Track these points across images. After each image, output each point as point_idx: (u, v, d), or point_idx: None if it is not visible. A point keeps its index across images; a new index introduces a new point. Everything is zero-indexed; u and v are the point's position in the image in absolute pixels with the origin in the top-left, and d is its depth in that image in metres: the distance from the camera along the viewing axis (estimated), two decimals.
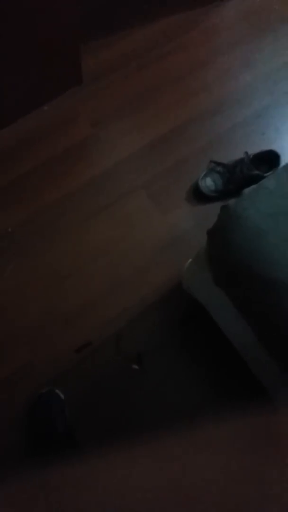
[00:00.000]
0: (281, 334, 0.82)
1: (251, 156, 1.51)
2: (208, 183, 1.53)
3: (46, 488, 0.28)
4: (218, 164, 1.56)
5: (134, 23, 1.85)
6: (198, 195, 1.54)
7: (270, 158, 1.53)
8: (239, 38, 1.84)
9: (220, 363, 1.33)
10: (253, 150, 1.53)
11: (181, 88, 1.74)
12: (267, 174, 1.49)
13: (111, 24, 1.85)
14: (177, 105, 1.71)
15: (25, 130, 1.65)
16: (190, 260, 1.23)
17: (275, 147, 1.55)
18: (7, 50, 1.35)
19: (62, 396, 1.27)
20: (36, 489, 0.28)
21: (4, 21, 1.25)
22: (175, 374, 1.34)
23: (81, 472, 0.30)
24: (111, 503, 0.27)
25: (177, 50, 1.81)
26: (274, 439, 0.30)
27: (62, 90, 1.71)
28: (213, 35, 1.86)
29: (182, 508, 0.26)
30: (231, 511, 0.25)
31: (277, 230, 0.84)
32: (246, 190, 0.92)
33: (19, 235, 1.49)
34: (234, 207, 0.88)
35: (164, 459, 0.30)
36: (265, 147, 1.55)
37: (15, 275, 1.44)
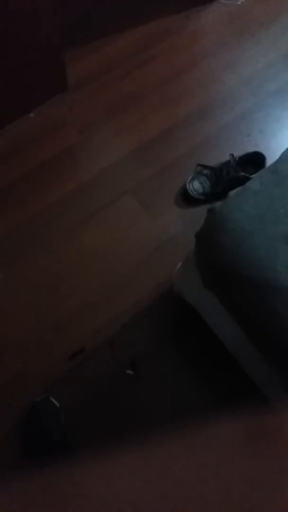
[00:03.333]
0: (270, 334, 0.82)
1: (237, 158, 1.53)
2: (196, 186, 1.54)
3: (42, 490, 0.29)
4: (205, 167, 1.57)
5: (117, 30, 1.86)
6: (186, 198, 1.55)
7: (256, 160, 1.55)
8: (221, 42, 1.86)
9: (214, 364, 1.34)
10: (239, 152, 1.55)
11: (165, 92, 1.76)
12: (253, 175, 1.50)
13: (94, 31, 1.86)
14: (162, 110, 1.72)
15: (11, 137, 1.65)
16: (180, 263, 1.24)
17: (260, 148, 1.57)
18: None
19: (57, 404, 1.27)
20: (33, 491, 0.29)
21: None
22: (170, 378, 1.34)
23: (76, 474, 0.30)
24: (108, 505, 0.27)
25: (160, 55, 1.83)
26: (271, 439, 0.31)
27: (48, 97, 1.71)
28: (195, 40, 1.88)
29: (180, 509, 0.26)
30: (231, 510, 0.26)
31: (263, 231, 0.85)
32: (232, 193, 0.93)
33: (8, 243, 1.49)
34: (220, 209, 0.89)
35: (161, 461, 0.30)
36: (250, 149, 1.57)
37: (5, 284, 1.43)
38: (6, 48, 1.35)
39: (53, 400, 1.27)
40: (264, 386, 1.15)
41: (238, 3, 1.94)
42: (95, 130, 1.68)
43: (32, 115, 1.68)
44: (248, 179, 1.44)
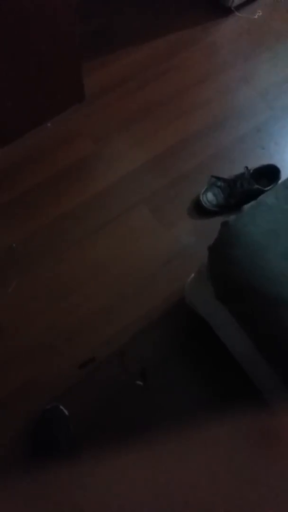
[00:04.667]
0: (281, 348, 0.82)
1: (252, 171, 1.53)
2: (209, 198, 1.55)
3: (47, 490, 0.29)
4: (219, 179, 1.57)
5: (135, 42, 1.89)
6: (199, 210, 1.56)
7: (270, 172, 1.55)
8: (237, 55, 1.88)
9: (223, 376, 1.32)
10: (253, 164, 1.55)
11: (181, 104, 1.77)
12: (268, 188, 1.50)
13: (112, 43, 1.89)
14: (177, 121, 1.74)
15: (28, 147, 1.67)
16: (192, 275, 1.24)
17: (275, 161, 1.57)
18: (10, 69, 1.38)
19: (66, 412, 1.27)
20: (36, 496, 0.29)
21: (7, 40, 1.29)
22: (179, 389, 1.33)
23: (81, 473, 0.30)
24: (110, 505, 0.27)
25: (177, 67, 1.85)
26: (272, 440, 0.31)
27: (65, 107, 1.74)
28: (212, 52, 1.89)
29: (181, 509, 0.26)
30: (231, 511, 0.26)
31: (277, 246, 0.85)
32: (246, 206, 0.93)
33: (22, 251, 1.50)
34: (234, 223, 0.89)
35: (162, 463, 0.31)
36: (265, 161, 1.57)
37: (19, 291, 1.45)
38: (25, 58, 1.38)
39: (62, 408, 1.27)
40: (273, 399, 1.14)
41: (255, 16, 1.95)
42: (110, 140, 1.69)
43: (49, 124, 1.71)
44: (262, 191, 1.45)
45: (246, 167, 1.54)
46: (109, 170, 1.65)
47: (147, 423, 1.27)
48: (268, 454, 0.29)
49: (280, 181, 1.50)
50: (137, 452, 0.32)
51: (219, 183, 1.56)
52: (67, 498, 0.28)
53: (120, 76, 1.83)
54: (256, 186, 1.49)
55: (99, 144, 1.69)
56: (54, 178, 1.63)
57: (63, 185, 1.61)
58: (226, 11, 1.94)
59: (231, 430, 0.32)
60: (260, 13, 1.96)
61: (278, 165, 1.55)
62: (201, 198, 1.54)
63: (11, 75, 1.41)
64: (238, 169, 1.56)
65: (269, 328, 0.83)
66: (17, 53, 1.35)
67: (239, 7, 1.95)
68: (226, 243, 0.90)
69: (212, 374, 1.35)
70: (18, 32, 1.28)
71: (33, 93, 1.55)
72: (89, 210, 1.57)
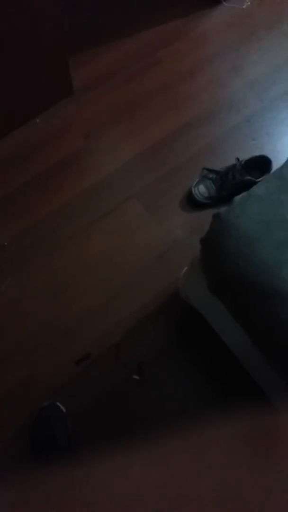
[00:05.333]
0: (275, 339, 0.82)
1: (243, 162, 1.53)
2: (201, 190, 1.54)
3: (47, 490, 0.29)
4: (211, 171, 1.57)
5: (122, 35, 1.87)
6: (192, 203, 1.55)
7: (261, 163, 1.55)
8: (226, 46, 1.86)
9: (219, 369, 1.33)
10: (245, 156, 1.55)
11: (171, 96, 1.76)
12: (259, 179, 1.50)
13: (100, 36, 1.87)
14: (168, 114, 1.73)
15: (18, 143, 1.66)
16: (186, 268, 1.24)
17: (266, 152, 1.57)
18: None
19: (63, 409, 1.27)
20: (34, 492, 0.29)
21: None
22: (176, 382, 1.34)
23: (82, 474, 0.30)
24: (108, 501, 0.27)
25: (166, 59, 1.83)
26: (272, 439, 0.31)
27: (54, 102, 1.72)
28: (200, 43, 1.88)
29: (182, 507, 0.26)
30: (230, 510, 0.26)
31: (268, 237, 0.85)
32: (237, 198, 0.92)
33: (15, 248, 1.49)
34: (226, 215, 0.89)
35: (163, 461, 0.31)
36: (256, 152, 1.57)
37: (12, 289, 1.44)
38: (11, 53, 1.37)
39: (59, 405, 1.27)
40: (270, 390, 1.15)
41: (243, 6, 1.94)
42: (100, 135, 1.68)
43: (38, 120, 1.69)
44: (254, 182, 1.45)
45: (237, 159, 1.53)
46: (101, 164, 1.64)
47: (145, 418, 1.28)
48: (267, 453, 0.29)
49: (271, 172, 1.50)
50: (135, 449, 0.32)
51: (210, 175, 1.56)
52: (66, 495, 0.28)
53: (109, 69, 1.81)
54: (248, 177, 1.49)
55: (90, 138, 1.68)
56: (45, 174, 1.62)
57: (55, 181, 1.60)
58: (215, 1, 1.92)
59: (230, 429, 0.32)
60: (249, 3, 1.95)
61: (270, 156, 1.54)
62: (193, 191, 1.53)
63: None
64: (230, 161, 1.56)
65: (263, 319, 0.83)
66: (2, 48, 1.33)
67: None
68: (217, 235, 0.89)
69: (208, 366, 1.35)
70: (3, 27, 1.26)
71: (20, 88, 1.53)
72: (81, 205, 1.56)
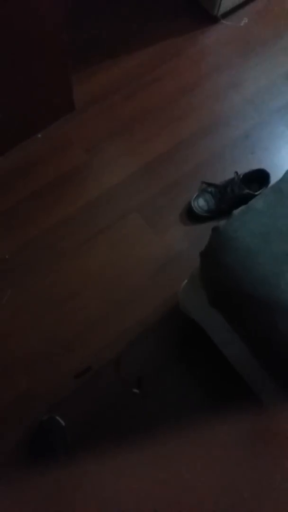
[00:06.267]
0: (275, 351, 0.82)
1: (242, 176, 1.54)
2: (201, 204, 1.56)
3: (46, 492, 0.29)
4: (210, 184, 1.59)
5: (123, 51, 1.91)
6: (191, 216, 1.57)
7: (260, 177, 1.56)
8: (224, 62, 1.90)
9: (219, 381, 1.33)
10: (243, 169, 1.57)
11: (170, 112, 1.79)
12: (258, 192, 1.52)
13: (101, 53, 1.91)
14: (167, 129, 1.75)
15: (20, 157, 1.68)
16: (185, 281, 1.24)
17: (264, 166, 1.59)
18: None
19: (62, 423, 1.27)
20: (36, 493, 0.29)
21: None
22: (176, 396, 1.33)
23: (77, 475, 0.31)
24: (108, 505, 0.28)
25: (165, 76, 1.87)
26: (272, 440, 0.31)
27: (55, 117, 1.75)
28: (199, 60, 1.91)
29: (181, 508, 0.27)
30: (230, 510, 0.26)
31: (267, 250, 0.86)
32: (236, 211, 0.94)
33: (16, 261, 1.50)
34: (225, 228, 0.90)
35: (163, 464, 0.31)
36: (254, 166, 1.59)
37: (13, 302, 1.45)
38: (14, 69, 1.39)
39: (59, 419, 1.27)
40: (270, 401, 1.14)
41: (241, 24, 1.98)
42: (101, 149, 1.70)
43: (39, 135, 1.72)
44: (252, 196, 1.47)
45: (236, 172, 1.55)
46: (101, 178, 1.66)
47: (144, 432, 1.27)
48: (266, 456, 0.29)
49: (269, 185, 1.52)
50: (134, 460, 0.32)
51: (210, 189, 1.58)
52: (65, 503, 0.28)
53: (109, 86, 1.84)
54: (247, 190, 1.51)
55: (91, 153, 1.70)
56: (47, 188, 1.63)
57: (56, 195, 1.62)
58: (213, 20, 1.97)
59: (230, 432, 0.33)
60: (246, 21, 1.99)
61: (268, 170, 1.56)
62: (192, 204, 1.55)
63: (0, 87, 1.41)
64: (229, 175, 1.58)
65: (262, 332, 0.83)
66: (5, 65, 1.36)
67: (225, 15, 1.97)
68: (217, 248, 0.90)
69: (208, 379, 1.35)
70: (6, 44, 1.29)
71: (22, 104, 1.55)
72: (82, 219, 1.58)
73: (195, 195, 1.57)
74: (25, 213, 1.59)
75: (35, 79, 1.49)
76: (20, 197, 1.61)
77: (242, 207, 0.94)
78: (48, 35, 1.37)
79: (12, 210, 1.59)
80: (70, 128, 1.75)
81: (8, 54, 1.33)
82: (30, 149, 1.69)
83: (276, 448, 0.31)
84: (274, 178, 1.55)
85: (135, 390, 1.32)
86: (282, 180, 0.95)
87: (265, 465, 0.29)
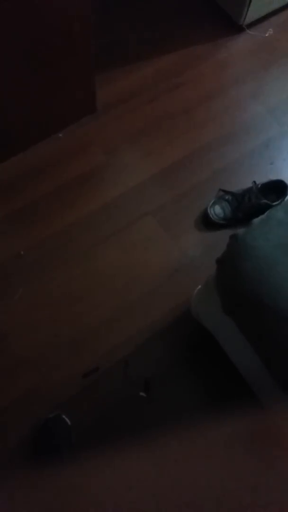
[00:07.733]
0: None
1: (259, 185, 1.54)
2: (217, 211, 1.56)
3: (46, 491, 0.30)
4: (227, 192, 1.58)
5: (147, 56, 1.92)
6: (207, 223, 1.57)
7: (278, 188, 1.56)
8: (247, 72, 1.90)
9: (227, 389, 1.32)
10: (261, 179, 1.56)
11: (191, 118, 1.79)
12: (275, 203, 1.51)
13: (125, 56, 1.92)
14: (187, 134, 1.76)
15: (40, 155, 1.70)
16: (199, 287, 1.24)
17: (283, 176, 1.58)
18: (25, 79, 1.41)
19: (68, 421, 1.27)
20: (35, 499, 0.29)
21: (23, 51, 1.32)
22: (182, 402, 1.33)
23: (80, 475, 0.31)
24: (111, 507, 0.28)
25: (187, 82, 1.87)
26: (272, 442, 0.31)
27: (77, 118, 1.77)
28: (222, 68, 1.92)
29: (181, 509, 0.27)
30: (230, 510, 0.26)
31: (286, 260, 0.85)
32: (256, 220, 0.94)
33: (30, 258, 1.51)
34: (244, 236, 0.90)
35: (162, 465, 0.31)
36: (273, 176, 1.58)
37: (25, 298, 1.45)
38: (40, 70, 1.41)
39: (65, 417, 1.27)
40: (279, 413, 1.13)
41: (266, 35, 1.99)
42: (120, 152, 1.71)
43: (60, 135, 1.73)
44: (269, 206, 1.46)
45: (254, 182, 1.55)
46: (119, 181, 1.67)
47: (149, 434, 1.26)
48: (267, 458, 0.29)
49: None
50: (137, 462, 0.32)
51: (227, 197, 1.57)
52: (67, 504, 0.28)
53: (131, 89, 1.85)
54: (264, 200, 1.50)
55: (109, 155, 1.71)
56: (64, 187, 1.65)
57: (73, 194, 1.63)
58: (238, 29, 1.97)
59: (232, 434, 0.33)
60: (271, 32, 2.00)
61: (286, 181, 1.56)
62: (208, 211, 1.55)
63: (26, 85, 1.43)
64: (247, 184, 1.57)
65: (277, 342, 0.83)
66: (32, 64, 1.37)
67: (251, 25, 1.98)
68: (235, 256, 0.90)
69: (216, 387, 1.34)
70: (34, 43, 1.31)
71: (46, 103, 1.57)
72: (97, 220, 1.59)
73: (211, 202, 1.57)
74: (42, 211, 1.60)
75: (60, 80, 1.51)
76: (38, 195, 1.63)
77: (262, 216, 0.93)
78: (75, 36, 1.39)
79: (29, 208, 1.60)
80: (90, 129, 1.76)
81: (36, 53, 1.35)
82: (50, 147, 1.71)
83: (276, 448, 0.31)
84: None
85: (142, 394, 1.32)
86: None
87: (265, 466, 0.29)
